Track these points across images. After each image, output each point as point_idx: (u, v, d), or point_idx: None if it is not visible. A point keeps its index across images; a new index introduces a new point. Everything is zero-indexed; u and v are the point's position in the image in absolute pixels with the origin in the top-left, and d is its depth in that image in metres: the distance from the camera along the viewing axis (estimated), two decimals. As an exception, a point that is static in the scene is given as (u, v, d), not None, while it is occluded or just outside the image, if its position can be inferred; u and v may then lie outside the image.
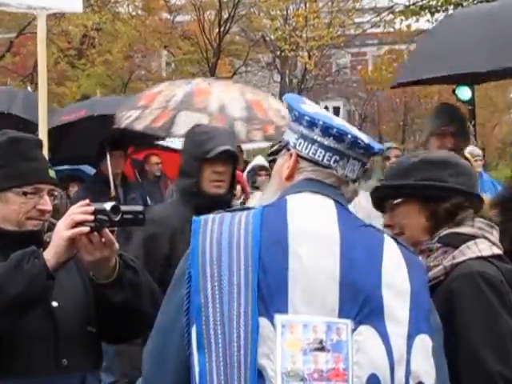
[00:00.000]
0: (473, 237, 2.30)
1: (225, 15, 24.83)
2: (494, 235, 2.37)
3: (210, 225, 1.74)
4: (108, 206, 2.22)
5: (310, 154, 1.83)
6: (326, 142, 1.82)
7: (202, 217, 1.79)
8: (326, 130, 1.81)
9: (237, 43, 27.44)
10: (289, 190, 1.83)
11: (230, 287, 1.66)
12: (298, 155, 1.85)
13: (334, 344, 1.66)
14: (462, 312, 2.18)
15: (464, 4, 19.01)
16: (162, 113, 5.69)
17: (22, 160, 2.45)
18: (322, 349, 1.66)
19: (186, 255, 1.76)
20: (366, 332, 1.68)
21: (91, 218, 2.20)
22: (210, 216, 1.78)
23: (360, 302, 1.69)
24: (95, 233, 2.22)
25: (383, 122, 31.92)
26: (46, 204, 2.43)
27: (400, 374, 1.67)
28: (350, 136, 1.81)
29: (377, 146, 1.88)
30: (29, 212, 2.42)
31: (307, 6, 24.74)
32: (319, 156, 1.83)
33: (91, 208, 2.21)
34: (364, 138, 1.84)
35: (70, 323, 2.38)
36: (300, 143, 1.85)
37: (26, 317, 2.25)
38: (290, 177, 1.86)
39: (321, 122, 1.81)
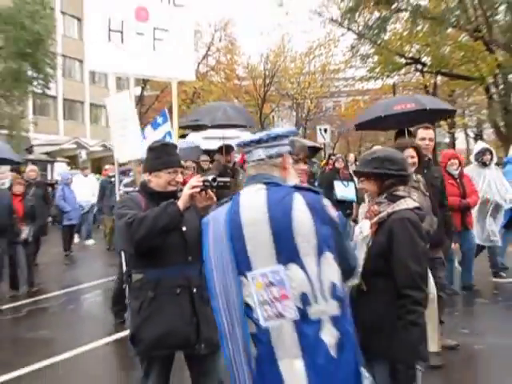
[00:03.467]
0: (404, 197, 3.12)
1: (267, 81, 34.83)
2: (416, 196, 3.23)
3: (212, 225, 2.53)
4: (210, 177, 3.31)
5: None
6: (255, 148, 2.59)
7: (205, 219, 2.62)
8: (258, 142, 2.58)
9: (273, 95, 36.70)
10: (246, 183, 2.55)
11: (222, 260, 2.42)
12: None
13: (278, 280, 2.36)
14: (397, 241, 2.95)
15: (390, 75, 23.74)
16: None
17: (168, 155, 3.66)
18: (273, 285, 2.35)
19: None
20: (293, 267, 2.34)
21: (201, 184, 3.36)
22: (211, 216, 2.59)
23: (285, 249, 2.36)
24: (203, 192, 3.37)
25: (350, 136, 40.69)
26: (180, 178, 3.61)
27: (317, 286, 2.33)
28: (259, 138, 2.56)
29: (272, 134, 2.59)
30: (171, 182, 3.63)
31: (310, 76, 34.21)
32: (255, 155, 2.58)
33: (202, 179, 3.36)
34: (264, 135, 2.60)
35: (193, 238, 3.46)
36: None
37: (167, 236, 3.40)
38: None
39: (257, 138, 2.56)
